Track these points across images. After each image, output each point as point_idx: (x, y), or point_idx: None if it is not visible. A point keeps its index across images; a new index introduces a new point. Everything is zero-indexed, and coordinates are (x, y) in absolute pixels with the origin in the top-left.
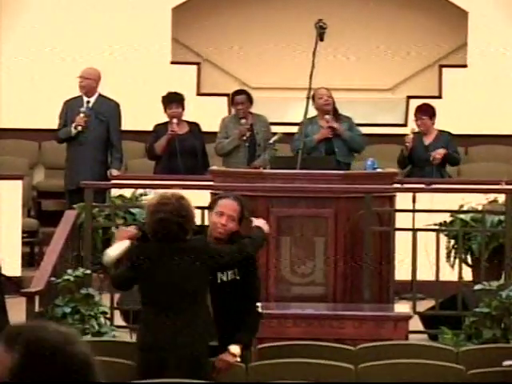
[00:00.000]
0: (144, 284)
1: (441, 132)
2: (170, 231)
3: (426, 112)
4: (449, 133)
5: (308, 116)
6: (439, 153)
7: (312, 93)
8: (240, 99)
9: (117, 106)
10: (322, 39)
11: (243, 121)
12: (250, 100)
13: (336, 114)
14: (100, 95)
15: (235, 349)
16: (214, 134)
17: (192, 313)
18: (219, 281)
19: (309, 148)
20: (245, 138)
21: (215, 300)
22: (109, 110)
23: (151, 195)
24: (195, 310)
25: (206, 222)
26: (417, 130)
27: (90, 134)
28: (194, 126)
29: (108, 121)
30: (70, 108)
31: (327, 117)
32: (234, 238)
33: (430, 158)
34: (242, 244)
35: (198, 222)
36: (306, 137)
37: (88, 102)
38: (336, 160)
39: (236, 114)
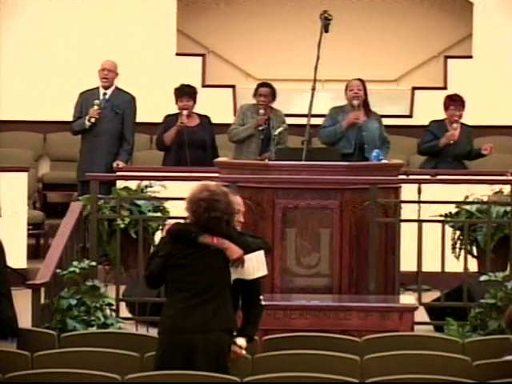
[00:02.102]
0: (174, 271)
1: (463, 125)
2: (221, 229)
3: (462, 104)
4: (467, 125)
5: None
6: (489, 148)
7: (345, 84)
8: (264, 91)
9: (133, 99)
10: (326, 31)
11: (261, 111)
12: (273, 95)
13: (367, 109)
14: (116, 88)
15: (241, 341)
16: (220, 125)
17: (218, 304)
18: None
19: (337, 133)
20: (260, 128)
21: None
22: (124, 103)
23: (156, 187)
24: (221, 302)
25: None
26: (456, 126)
27: (105, 125)
28: (204, 118)
29: (123, 113)
30: (86, 100)
31: (355, 102)
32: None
33: (483, 152)
34: None
35: None
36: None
37: (105, 94)
38: (363, 156)
39: (255, 104)
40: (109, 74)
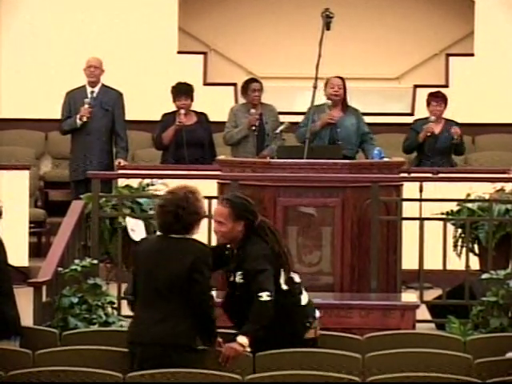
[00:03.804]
0: (134, 276)
1: (448, 121)
2: (165, 220)
3: (443, 100)
4: (455, 122)
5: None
6: (456, 129)
7: (325, 81)
8: (257, 86)
9: (120, 95)
10: (328, 28)
11: (252, 110)
12: (262, 89)
13: (344, 106)
14: (103, 85)
15: (242, 339)
16: (221, 123)
17: (166, 311)
18: (231, 279)
19: (311, 133)
20: (254, 127)
21: (231, 296)
22: (113, 100)
23: (158, 185)
24: (170, 309)
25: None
26: (433, 118)
27: (95, 123)
28: (201, 116)
29: (112, 110)
30: (73, 99)
31: (331, 101)
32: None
33: (454, 137)
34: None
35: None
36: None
37: (92, 92)
38: None
39: (250, 102)
40: (95, 70)
